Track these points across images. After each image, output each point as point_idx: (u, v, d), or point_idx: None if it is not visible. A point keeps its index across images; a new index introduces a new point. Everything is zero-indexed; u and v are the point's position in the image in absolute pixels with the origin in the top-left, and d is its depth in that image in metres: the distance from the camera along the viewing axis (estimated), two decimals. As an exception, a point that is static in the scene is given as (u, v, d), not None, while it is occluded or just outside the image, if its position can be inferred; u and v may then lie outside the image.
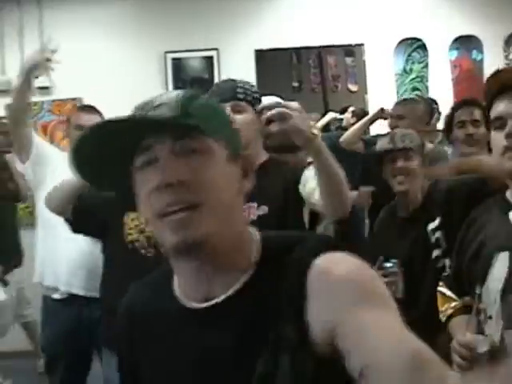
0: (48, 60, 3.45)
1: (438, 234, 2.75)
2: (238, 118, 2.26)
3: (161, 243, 1.18)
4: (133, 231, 2.96)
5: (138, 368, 1.30)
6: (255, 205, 2.29)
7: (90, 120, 3.37)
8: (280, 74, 6.03)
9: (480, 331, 1.92)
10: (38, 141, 3.45)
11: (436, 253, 2.75)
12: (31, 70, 3.32)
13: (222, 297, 1.19)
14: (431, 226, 2.78)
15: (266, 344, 1.13)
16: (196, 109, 1.19)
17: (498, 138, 1.85)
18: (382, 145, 2.88)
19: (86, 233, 3.00)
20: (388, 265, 2.71)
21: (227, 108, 2.22)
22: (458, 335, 1.96)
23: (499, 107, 1.86)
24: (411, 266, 2.75)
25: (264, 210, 2.29)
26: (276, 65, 6.02)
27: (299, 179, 2.32)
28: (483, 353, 1.83)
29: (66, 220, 2.94)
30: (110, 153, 1.17)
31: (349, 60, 6.10)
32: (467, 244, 2.05)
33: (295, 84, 6.16)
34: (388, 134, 3.02)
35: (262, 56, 5.98)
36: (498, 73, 1.92)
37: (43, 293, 3.45)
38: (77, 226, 2.93)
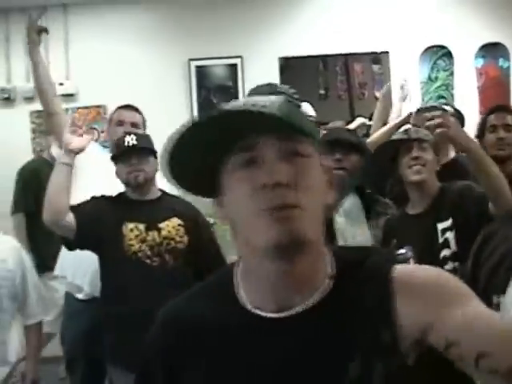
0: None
1: (448, 235, 2.72)
2: None
3: (252, 243, 1.18)
4: (134, 242, 2.92)
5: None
6: None
7: (131, 117, 3.44)
8: (306, 81, 6.00)
9: None
10: None
11: (444, 253, 2.72)
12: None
13: (303, 306, 1.19)
14: (441, 225, 2.75)
15: (355, 350, 1.15)
16: (295, 114, 1.21)
17: None
18: (396, 135, 2.92)
19: (83, 247, 2.96)
20: (401, 251, 2.68)
21: None
22: None
23: None
24: (418, 262, 2.70)
25: None
26: (302, 72, 5.98)
27: None
28: None
29: (63, 238, 2.89)
30: (198, 149, 1.17)
31: (376, 67, 6.06)
32: (486, 257, 2.10)
33: (322, 91, 6.14)
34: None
35: (288, 63, 5.96)
36: None
37: (66, 289, 3.45)
38: (77, 242, 2.91)
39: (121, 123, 3.42)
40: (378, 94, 6.10)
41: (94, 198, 2.97)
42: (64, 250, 3.27)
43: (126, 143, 2.96)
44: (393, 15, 5.83)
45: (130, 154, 2.95)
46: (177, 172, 1.20)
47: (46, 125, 3.48)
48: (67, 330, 3.43)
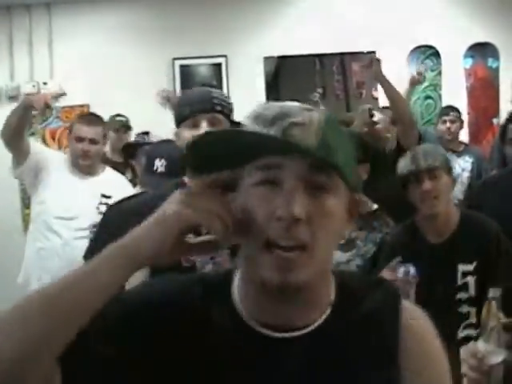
0: (48, 107, 3.56)
1: (469, 279, 2.59)
2: None
3: (250, 274, 1.11)
4: None
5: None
6: None
7: (90, 133, 3.43)
8: (303, 80, 6.01)
9: None
10: (35, 150, 3.48)
11: (461, 295, 2.60)
12: (27, 109, 3.40)
13: (304, 330, 1.11)
14: (463, 267, 2.62)
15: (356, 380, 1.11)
16: (335, 140, 1.08)
17: None
18: (404, 166, 2.66)
19: None
20: (402, 269, 2.56)
21: (203, 121, 2.06)
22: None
23: None
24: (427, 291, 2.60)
25: None
26: (299, 71, 5.97)
27: None
28: (496, 365, 1.69)
29: None
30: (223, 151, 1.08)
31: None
32: None
33: (319, 90, 6.11)
34: (409, 153, 2.86)
35: (284, 62, 5.94)
36: None
37: None
38: None
39: (79, 139, 3.45)
40: (375, 94, 6.09)
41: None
42: (27, 257, 3.32)
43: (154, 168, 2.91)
44: (380, 15, 5.79)
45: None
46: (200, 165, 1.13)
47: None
48: None
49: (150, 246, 1.04)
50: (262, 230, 1.05)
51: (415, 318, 1.16)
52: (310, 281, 1.07)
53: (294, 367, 1.10)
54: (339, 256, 2.81)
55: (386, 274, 2.52)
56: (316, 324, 1.12)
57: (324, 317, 1.13)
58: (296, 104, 1.12)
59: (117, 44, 5.85)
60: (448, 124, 4.89)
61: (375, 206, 2.95)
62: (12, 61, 5.95)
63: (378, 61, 3.75)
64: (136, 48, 5.87)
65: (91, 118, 3.59)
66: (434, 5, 5.82)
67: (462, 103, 5.63)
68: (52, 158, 3.52)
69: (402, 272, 2.52)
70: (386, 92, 3.72)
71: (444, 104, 5.52)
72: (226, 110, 2.15)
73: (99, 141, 3.49)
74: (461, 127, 5.03)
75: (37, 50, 5.79)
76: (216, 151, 1.08)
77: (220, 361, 1.09)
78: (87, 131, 3.44)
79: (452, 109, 5.03)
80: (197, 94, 2.22)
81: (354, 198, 1.15)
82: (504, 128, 3.27)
